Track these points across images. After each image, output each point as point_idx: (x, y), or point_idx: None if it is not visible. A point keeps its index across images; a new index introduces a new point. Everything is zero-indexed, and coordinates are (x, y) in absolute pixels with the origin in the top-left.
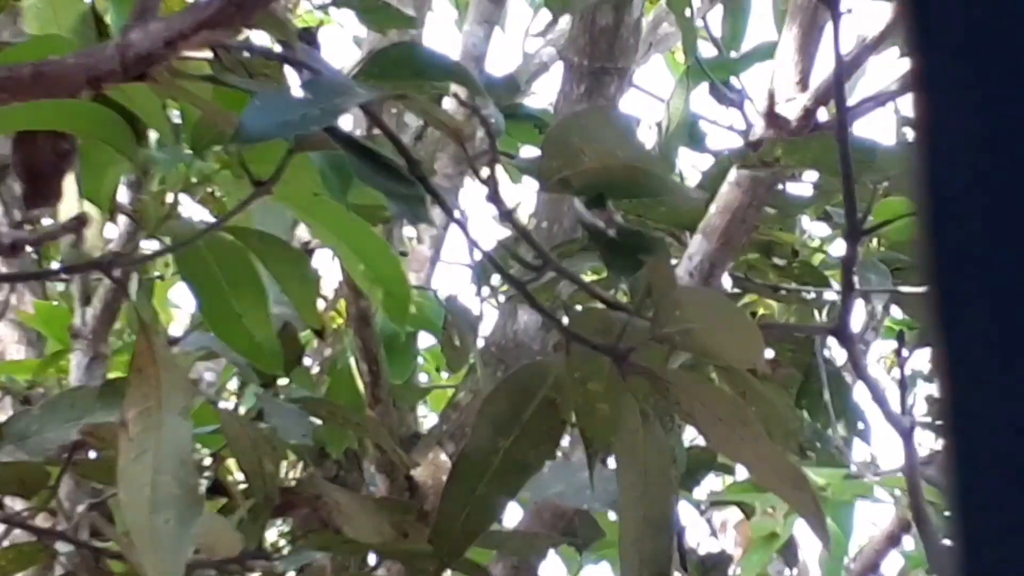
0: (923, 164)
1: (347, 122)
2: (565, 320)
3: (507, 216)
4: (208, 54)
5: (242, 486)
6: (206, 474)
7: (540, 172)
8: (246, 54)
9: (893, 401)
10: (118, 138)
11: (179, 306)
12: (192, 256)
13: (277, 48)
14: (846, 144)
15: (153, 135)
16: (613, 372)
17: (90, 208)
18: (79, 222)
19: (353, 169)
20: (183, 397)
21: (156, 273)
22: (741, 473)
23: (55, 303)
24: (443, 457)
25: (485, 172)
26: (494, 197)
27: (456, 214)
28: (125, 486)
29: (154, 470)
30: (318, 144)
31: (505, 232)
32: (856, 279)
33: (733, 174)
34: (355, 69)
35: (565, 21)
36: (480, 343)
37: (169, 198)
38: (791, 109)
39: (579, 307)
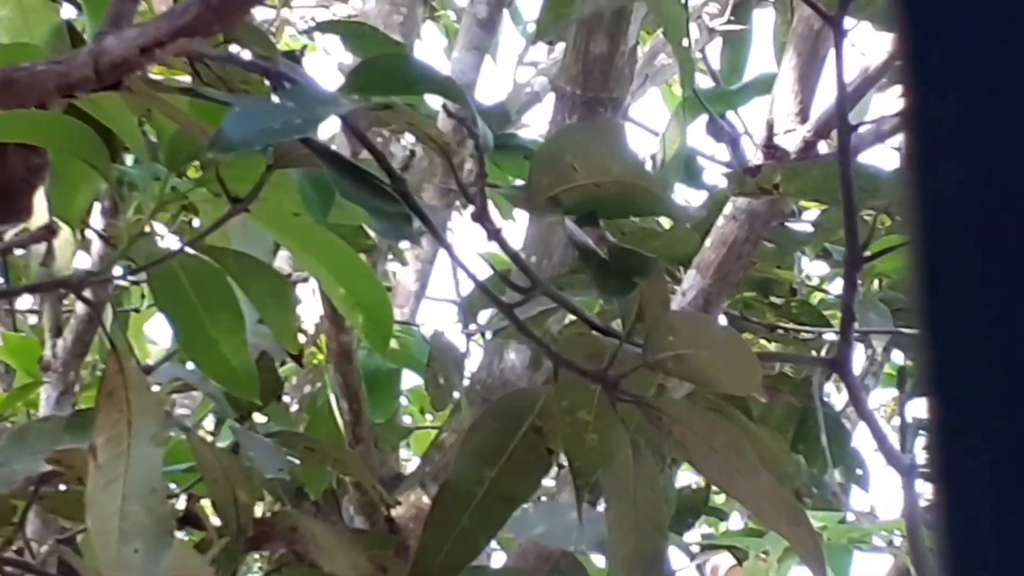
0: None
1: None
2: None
3: (495, 235)
4: (185, 64)
5: (215, 519)
6: (178, 504)
7: (529, 189)
8: (226, 65)
9: (893, 442)
10: (91, 153)
11: (155, 342)
12: (166, 277)
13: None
14: (848, 166)
15: (129, 159)
16: (603, 400)
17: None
18: (48, 231)
19: (335, 185)
20: (154, 423)
21: (132, 306)
22: (735, 522)
23: (24, 334)
24: (425, 499)
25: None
26: (482, 215)
27: (444, 237)
28: (93, 515)
29: (123, 498)
30: (299, 160)
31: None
32: (857, 319)
33: (729, 207)
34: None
35: (559, 49)
36: (465, 381)
37: (144, 216)
38: (790, 141)
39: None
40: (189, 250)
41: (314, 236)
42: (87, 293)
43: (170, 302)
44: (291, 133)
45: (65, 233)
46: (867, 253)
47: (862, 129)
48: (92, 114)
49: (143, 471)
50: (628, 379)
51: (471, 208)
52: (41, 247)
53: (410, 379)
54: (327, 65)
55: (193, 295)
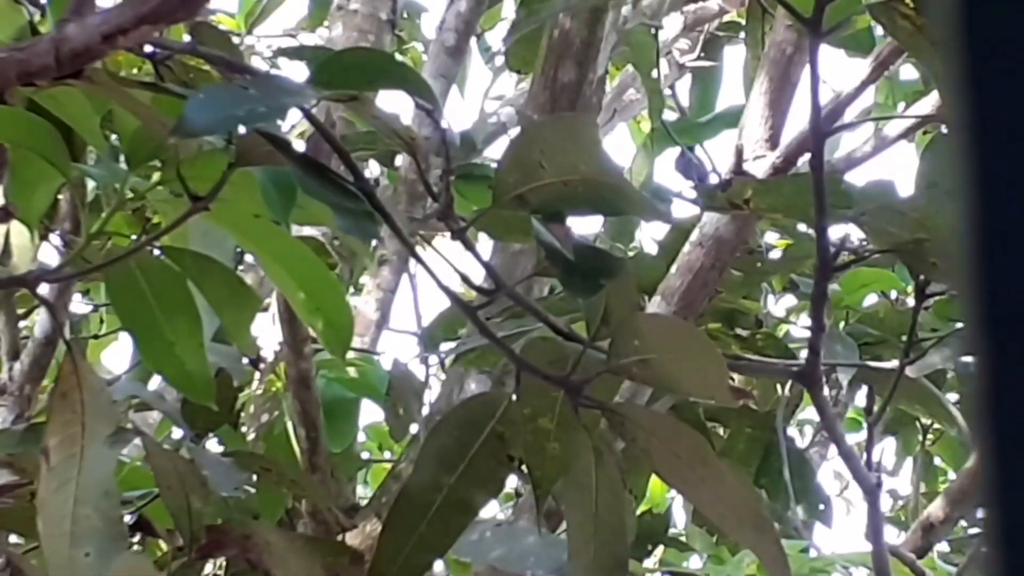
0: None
1: None
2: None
3: (460, 234)
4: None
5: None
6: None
7: (495, 188)
8: (191, 70)
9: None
10: (50, 150)
11: (111, 372)
12: (123, 277)
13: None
14: (820, 169)
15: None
16: (565, 406)
17: (21, 229)
18: (5, 213)
19: (299, 182)
20: (109, 425)
21: (91, 333)
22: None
23: None
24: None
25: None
26: (447, 213)
27: (407, 238)
28: (44, 518)
29: (75, 501)
30: (262, 158)
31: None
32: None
33: (695, 234)
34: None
35: (526, 81)
36: (425, 411)
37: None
38: (759, 167)
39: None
40: (148, 251)
41: (275, 239)
42: (43, 292)
43: (127, 304)
44: (255, 121)
45: (22, 236)
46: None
47: (834, 157)
48: (52, 111)
49: (96, 474)
50: (592, 384)
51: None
52: None
53: (369, 415)
54: None
55: (150, 296)
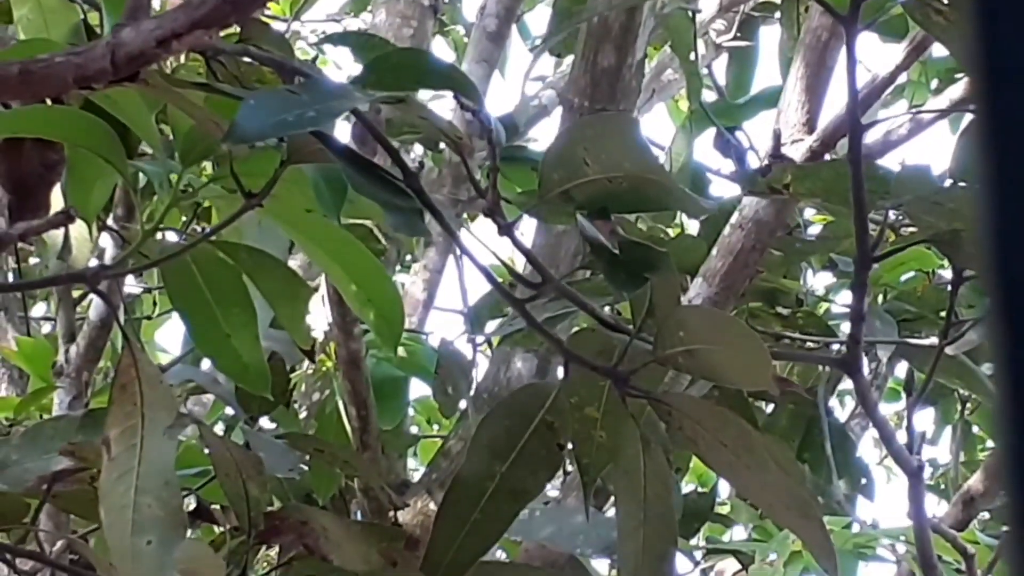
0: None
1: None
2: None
3: (507, 230)
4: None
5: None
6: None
7: (540, 185)
8: (241, 64)
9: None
10: (107, 148)
11: (166, 350)
12: (179, 272)
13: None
14: (859, 164)
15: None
16: (612, 396)
17: (80, 224)
18: (66, 216)
19: (349, 180)
20: (167, 416)
21: (144, 314)
22: (739, 533)
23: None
24: (432, 506)
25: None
26: (494, 210)
27: (456, 232)
28: (106, 507)
29: (136, 491)
30: (313, 156)
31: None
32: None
33: (735, 216)
34: (355, 75)
35: (566, 63)
36: (472, 390)
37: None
38: (797, 151)
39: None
40: (203, 245)
41: (327, 233)
42: (102, 287)
43: (183, 297)
44: (305, 125)
45: (81, 230)
46: (880, 247)
47: (870, 140)
48: (108, 110)
49: (156, 464)
50: (638, 375)
51: (478, 220)
52: (58, 242)
53: (417, 389)
54: (338, 78)
55: (206, 290)
